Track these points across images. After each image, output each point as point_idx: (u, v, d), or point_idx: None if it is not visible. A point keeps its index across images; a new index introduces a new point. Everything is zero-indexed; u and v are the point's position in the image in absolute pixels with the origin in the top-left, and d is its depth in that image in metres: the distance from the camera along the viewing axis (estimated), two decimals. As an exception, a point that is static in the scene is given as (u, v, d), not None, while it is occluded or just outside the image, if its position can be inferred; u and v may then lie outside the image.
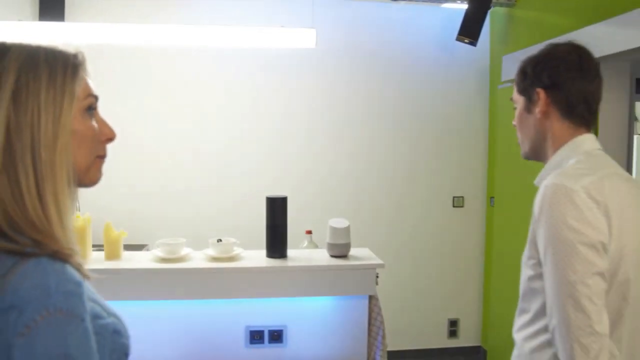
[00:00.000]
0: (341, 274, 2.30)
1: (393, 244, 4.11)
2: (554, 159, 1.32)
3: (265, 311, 2.30)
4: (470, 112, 4.25)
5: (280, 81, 3.98)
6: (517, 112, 1.40)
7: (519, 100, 1.39)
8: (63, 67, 0.80)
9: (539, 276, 1.23)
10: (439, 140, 4.22)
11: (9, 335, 0.66)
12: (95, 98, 0.85)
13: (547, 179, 1.22)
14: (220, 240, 2.31)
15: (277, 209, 2.33)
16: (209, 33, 2.85)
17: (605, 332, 1.12)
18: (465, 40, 3.78)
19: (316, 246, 2.63)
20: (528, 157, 1.44)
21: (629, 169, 4.04)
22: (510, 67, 3.71)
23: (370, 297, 2.39)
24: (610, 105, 2.97)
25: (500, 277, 3.99)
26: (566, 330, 1.12)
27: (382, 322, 2.42)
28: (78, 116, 0.81)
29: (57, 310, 0.68)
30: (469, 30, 3.76)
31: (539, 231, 1.19)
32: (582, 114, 1.31)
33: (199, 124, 3.93)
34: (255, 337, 2.29)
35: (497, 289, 4.04)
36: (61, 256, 0.73)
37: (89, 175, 0.85)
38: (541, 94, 1.31)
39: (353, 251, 2.46)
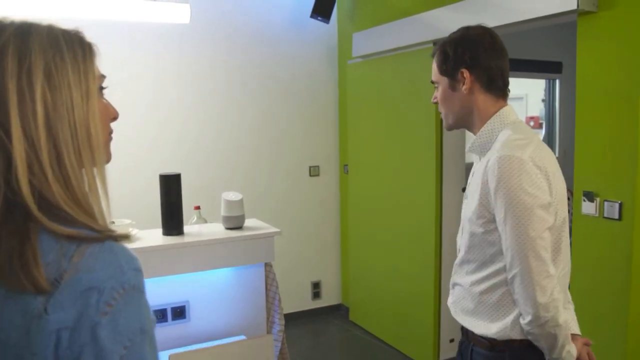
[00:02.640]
0: (239, 244, 2.37)
1: (259, 214, 4.23)
2: (485, 130, 1.49)
3: (167, 289, 2.29)
4: (321, 86, 4.51)
5: (155, 56, 3.84)
6: (440, 91, 1.56)
7: (441, 80, 1.54)
8: (81, 46, 0.79)
9: (489, 232, 1.42)
10: (296, 113, 4.42)
11: (92, 314, 0.68)
12: (104, 77, 0.85)
13: (496, 152, 1.38)
14: (114, 223, 2.22)
15: (171, 186, 2.30)
16: (78, 4, 2.63)
17: (555, 274, 1.37)
18: (319, 18, 4.01)
19: (205, 221, 2.65)
20: (452, 128, 1.60)
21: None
22: (360, 43, 4.02)
23: (265, 264, 2.50)
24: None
25: (356, 238, 4.37)
26: (528, 276, 1.34)
27: (277, 287, 2.56)
28: (96, 94, 0.81)
29: (131, 287, 0.71)
30: (322, 8, 3.98)
31: (498, 197, 1.36)
32: (500, 86, 1.50)
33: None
34: (158, 316, 2.26)
35: (354, 250, 4.42)
36: (117, 238, 0.74)
37: (107, 153, 0.84)
38: (465, 73, 1.47)
39: (245, 222, 2.55)
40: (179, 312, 2.31)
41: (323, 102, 4.53)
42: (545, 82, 5.26)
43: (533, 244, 1.34)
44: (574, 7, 2.39)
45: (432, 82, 1.60)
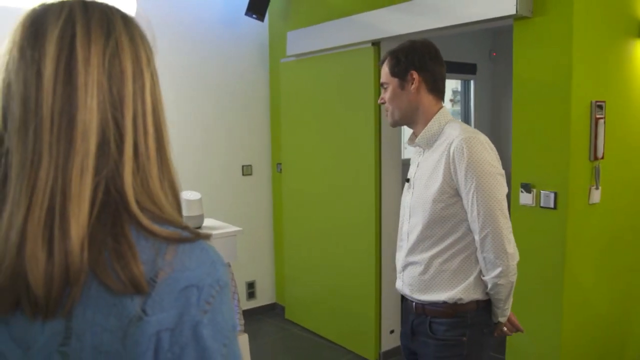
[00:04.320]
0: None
1: (192, 217, 4.12)
2: (433, 125, 1.75)
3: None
4: (252, 84, 4.46)
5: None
6: (389, 91, 1.78)
7: (391, 81, 1.77)
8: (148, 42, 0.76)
9: (450, 205, 1.65)
10: (227, 112, 4.34)
11: (194, 313, 0.66)
12: None
13: (459, 136, 1.64)
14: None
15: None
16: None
17: None
18: (254, 16, 3.97)
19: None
20: (396, 124, 1.86)
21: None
22: (295, 42, 4.03)
23: (224, 265, 2.46)
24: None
25: (291, 237, 4.37)
26: (499, 232, 1.59)
27: (235, 286, 2.52)
28: None
29: (224, 284, 0.70)
30: (257, 6, 3.96)
31: (468, 171, 1.60)
32: (440, 89, 1.79)
33: None
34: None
35: (289, 249, 4.42)
36: (205, 237, 0.72)
37: None
38: (414, 74, 1.73)
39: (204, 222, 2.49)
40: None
41: (255, 100, 4.49)
42: (460, 82, 5.58)
43: (500, 206, 1.60)
44: (513, 12, 2.57)
45: (382, 85, 1.82)
